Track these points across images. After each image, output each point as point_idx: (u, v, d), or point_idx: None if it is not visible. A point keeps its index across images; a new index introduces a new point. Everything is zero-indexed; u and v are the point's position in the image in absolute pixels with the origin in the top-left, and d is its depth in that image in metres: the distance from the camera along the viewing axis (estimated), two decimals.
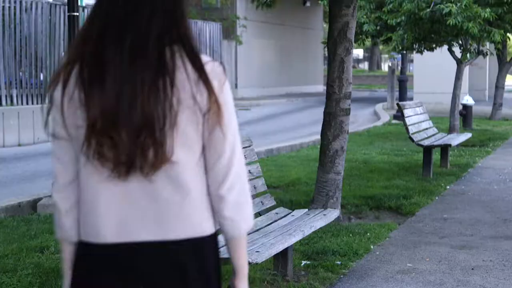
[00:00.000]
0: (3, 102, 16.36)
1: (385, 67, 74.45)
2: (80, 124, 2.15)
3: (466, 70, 24.51)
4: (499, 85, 22.82)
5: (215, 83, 2.17)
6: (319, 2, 24.92)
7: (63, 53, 17.44)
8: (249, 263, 4.50)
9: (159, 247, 2.17)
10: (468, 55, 16.45)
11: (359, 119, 24.52)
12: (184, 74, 2.13)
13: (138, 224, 2.16)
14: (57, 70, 2.20)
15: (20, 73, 17.01)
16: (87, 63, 2.15)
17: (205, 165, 2.23)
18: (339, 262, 6.38)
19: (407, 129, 11.50)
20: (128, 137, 2.11)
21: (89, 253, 2.22)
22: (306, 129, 20.55)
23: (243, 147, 5.86)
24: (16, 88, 16.68)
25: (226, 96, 2.20)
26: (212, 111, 2.16)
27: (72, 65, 2.18)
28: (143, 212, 2.16)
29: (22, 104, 16.80)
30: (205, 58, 2.20)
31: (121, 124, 2.10)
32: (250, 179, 5.80)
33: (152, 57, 2.12)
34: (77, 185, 2.24)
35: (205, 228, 2.24)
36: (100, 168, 2.15)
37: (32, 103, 17.05)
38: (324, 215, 5.95)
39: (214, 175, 2.23)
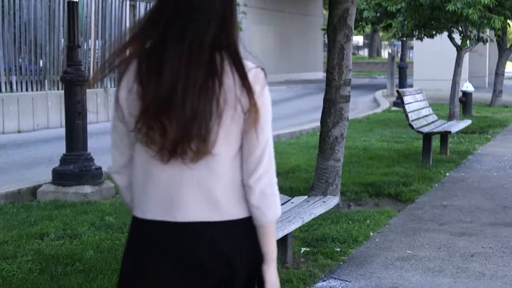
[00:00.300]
0: (3, 88, 16.33)
1: (385, 54, 74.35)
2: (136, 114, 2.41)
3: (466, 57, 24.47)
4: (499, 72, 22.80)
5: (256, 88, 2.47)
6: None
7: (62, 39, 17.41)
8: None
9: (198, 226, 2.44)
10: (468, 41, 16.42)
11: (359, 106, 24.50)
12: (231, 79, 2.42)
13: (180, 206, 2.44)
14: (113, 66, 2.54)
15: (20, 60, 16.97)
16: (146, 59, 2.41)
17: (240, 158, 2.49)
18: (338, 249, 6.39)
19: (406, 116, 11.49)
20: (177, 126, 2.36)
21: (139, 228, 2.51)
22: (305, 116, 20.53)
23: None
24: (15, 74, 16.65)
25: (265, 99, 2.50)
26: (251, 112, 2.42)
27: (130, 59, 2.46)
28: (184, 195, 2.44)
29: (21, 90, 16.77)
30: (249, 65, 2.51)
31: (173, 112, 2.35)
32: None
33: (205, 59, 2.39)
34: (131, 168, 2.54)
35: (237, 213, 2.48)
36: (147, 151, 2.42)
37: (32, 90, 17.02)
38: (324, 202, 5.95)
39: (246, 167, 2.49)
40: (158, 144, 2.38)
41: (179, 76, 2.36)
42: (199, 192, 2.44)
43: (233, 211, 2.48)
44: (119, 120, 2.51)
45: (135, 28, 2.46)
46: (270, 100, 2.55)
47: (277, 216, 2.55)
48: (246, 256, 2.50)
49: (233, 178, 2.48)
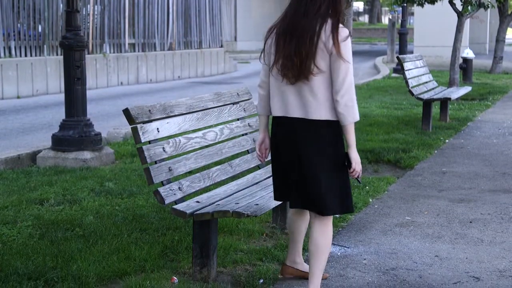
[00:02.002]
0: (1, 54, 16.27)
1: (385, 20, 73.94)
2: (271, 58, 4.32)
3: (467, 23, 24.36)
4: (499, 38, 22.70)
5: (339, 38, 4.16)
6: None
7: (61, 4, 17.30)
8: (248, 216, 4.52)
9: (302, 120, 4.26)
10: (469, 7, 16.30)
11: (359, 73, 24.44)
12: (324, 34, 4.18)
13: (292, 108, 4.28)
14: (269, 29, 4.40)
15: (18, 25, 16.89)
16: (281, 26, 4.31)
17: (330, 82, 4.20)
18: (337, 216, 6.41)
19: (406, 82, 11.47)
20: (297, 62, 4.19)
21: (273, 121, 4.41)
22: None
23: (243, 100, 5.86)
24: (14, 40, 16.58)
25: (345, 45, 4.17)
26: (335, 52, 4.15)
27: (273, 28, 4.36)
28: (294, 102, 4.27)
29: (20, 56, 16.71)
30: (340, 27, 4.21)
31: (294, 55, 4.20)
32: (250, 132, 5.80)
33: (316, 23, 4.19)
34: (268, 85, 4.42)
35: (326, 116, 4.23)
36: (277, 77, 4.30)
37: (31, 55, 16.95)
38: None
39: (334, 87, 4.19)
40: (286, 75, 4.24)
41: (298, 32, 4.20)
42: (302, 101, 4.24)
43: (319, 114, 4.22)
44: (264, 62, 4.39)
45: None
46: (350, 47, 4.20)
47: (355, 119, 4.23)
48: (315, 136, 4.28)
49: (323, 94, 4.20)
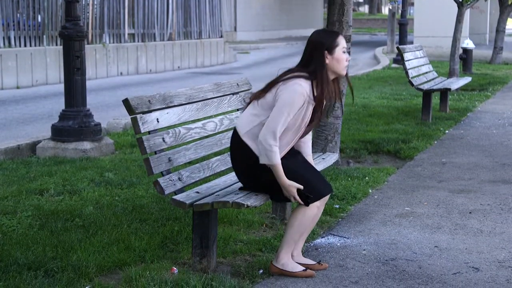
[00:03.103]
0: (1, 44, 16.24)
1: (385, 10, 73.82)
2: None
3: (467, 13, 24.33)
4: (500, 29, 22.67)
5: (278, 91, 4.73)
6: None
7: None
8: (248, 207, 4.53)
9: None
10: None
11: (359, 63, 24.42)
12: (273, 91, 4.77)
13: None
14: None
15: (18, 15, 16.85)
16: None
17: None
18: (337, 206, 6.41)
19: (406, 73, 11.46)
20: None
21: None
22: None
23: (243, 90, 5.85)
24: (13, 29, 16.54)
25: (281, 96, 4.66)
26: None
27: None
28: None
29: (20, 46, 16.68)
30: (291, 80, 4.77)
31: None
32: None
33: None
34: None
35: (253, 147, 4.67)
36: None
37: (30, 45, 16.93)
38: (323, 159, 5.95)
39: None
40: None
41: None
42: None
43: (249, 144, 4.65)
44: None
45: None
46: (289, 99, 4.60)
47: (265, 162, 4.56)
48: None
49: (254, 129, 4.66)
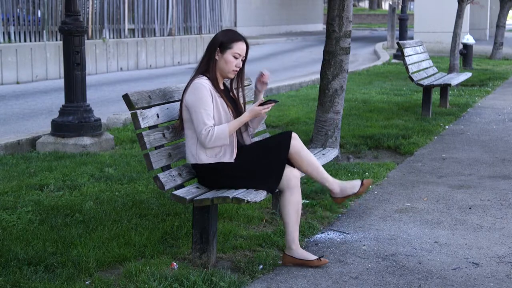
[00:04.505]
0: (1, 39, 16.23)
1: (385, 5, 73.73)
2: None
3: (467, 8, 24.29)
4: (500, 24, 22.65)
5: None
6: None
7: None
8: (248, 202, 4.53)
9: None
10: None
11: (359, 59, 24.41)
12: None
13: None
14: None
15: (17, 10, 16.83)
16: None
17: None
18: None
19: (407, 68, 11.45)
20: None
21: None
22: (305, 68, 20.47)
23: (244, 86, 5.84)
24: (13, 25, 16.53)
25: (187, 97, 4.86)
26: None
27: None
28: None
29: (19, 41, 16.66)
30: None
31: None
32: None
33: None
34: None
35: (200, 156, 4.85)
36: None
37: (30, 41, 16.91)
38: (323, 154, 5.95)
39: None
40: None
41: None
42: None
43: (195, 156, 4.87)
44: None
45: None
46: (194, 98, 4.77)
47: (225, 142, 4.79)
48: None
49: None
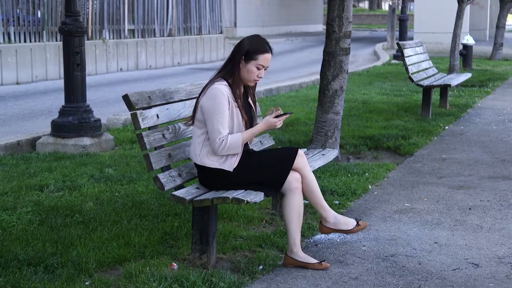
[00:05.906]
0: (0, 39, 16.23)
1: (385, 6, 73.74)
2: None
3: (467, 9, 24.30)
4: (500, 25, 22.65)
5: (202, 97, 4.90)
6: None
7: None
8: (247, 203, 4.53)
9: None
10: None
11: (359, 59, 24.41)
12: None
13: None
14: None
15: (17, 10, 16.83)
16: None
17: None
18: (337, 202, 6.41)
19: (406, 69, 11.45)
20: None
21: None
22: (305, 68, 20.47)
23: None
24: (13, 25, 16.53)
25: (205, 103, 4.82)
26: None
27: None
28: None
29: (19, 41, 16.66)
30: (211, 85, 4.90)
31: None
32: None
33: None
34: None
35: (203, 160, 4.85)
36: None
37: (30, 41, 16.91)
38: (323, 155, 5.95)
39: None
40: None
41: None
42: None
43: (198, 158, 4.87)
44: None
45: None
46: (211, 105, 4.73)
47: (237, 151, 4.79)
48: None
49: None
